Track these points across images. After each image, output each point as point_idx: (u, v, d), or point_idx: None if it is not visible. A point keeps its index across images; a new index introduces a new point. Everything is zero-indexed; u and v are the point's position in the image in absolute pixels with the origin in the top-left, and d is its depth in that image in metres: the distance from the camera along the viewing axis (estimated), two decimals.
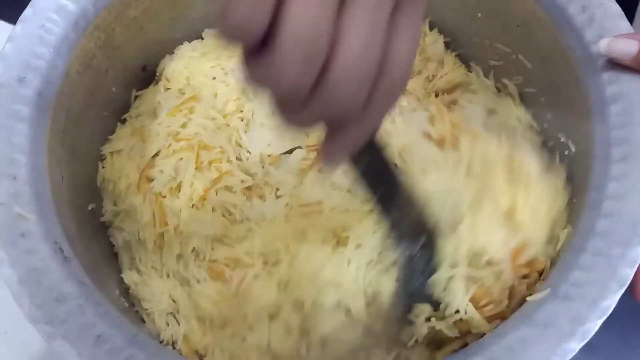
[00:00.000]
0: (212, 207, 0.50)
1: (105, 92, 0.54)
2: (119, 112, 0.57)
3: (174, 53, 0.60)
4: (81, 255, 0.42)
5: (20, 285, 0.37)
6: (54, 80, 0.46)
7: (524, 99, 0.54)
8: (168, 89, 0.58)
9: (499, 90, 0.57)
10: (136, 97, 0.58)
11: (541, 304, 0.38)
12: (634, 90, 0.43)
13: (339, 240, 0.46)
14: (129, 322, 0.39)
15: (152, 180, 0.51)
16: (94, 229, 0.51)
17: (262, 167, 0.52)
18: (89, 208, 0.51)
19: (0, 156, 0.41)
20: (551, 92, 0.50)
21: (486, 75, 0.57)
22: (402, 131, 0.50)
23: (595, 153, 0.43)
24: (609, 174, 0.41)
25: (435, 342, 0.46)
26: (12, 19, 0.46)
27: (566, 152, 0.48)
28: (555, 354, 0.35)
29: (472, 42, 0.58)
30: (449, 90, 0.58)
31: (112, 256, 0.53)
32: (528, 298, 0.39)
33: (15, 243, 0.39)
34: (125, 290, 0.50)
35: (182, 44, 0.60)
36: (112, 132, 0.56)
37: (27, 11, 0.47)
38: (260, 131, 0.55)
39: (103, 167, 0.54)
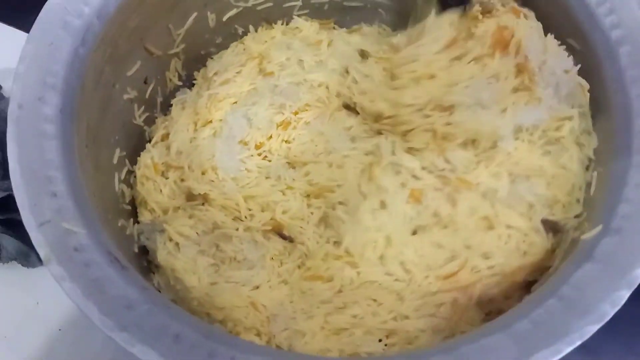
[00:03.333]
0: None
1: (115, 106, 0.53)
2: (129, 126, 0.56)
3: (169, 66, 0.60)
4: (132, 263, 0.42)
5: (86, 297, 0.36)
6: (72, 96, 0.45)
7: None
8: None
9: None
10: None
11: (597, 240, 0.39)
12: (637, 30, 0.45)
13: None
14: (201, 319, 0.38)
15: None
16: (128, 244, 0.50)
17: None
18: (119, 224, 0.50)
19: (37, 175, 0.40)
20: None
21: None
22: None
23: (614, 96, 0.45)
24: (632, 112, 0.43)
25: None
26: (20, 24, 0.45)
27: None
28: (622, 284, 0.37)
29: None
30: None
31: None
32: (582, 236, 0.40)
33: (71, 258, 0.38)
34: None
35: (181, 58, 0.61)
36: (125, 146, 0.55)
37: (34, 30, 0.46)
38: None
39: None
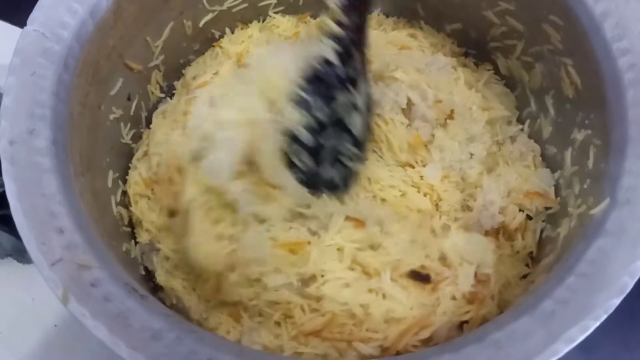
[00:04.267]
0: None
1: (103, 128, 0.52)
2: (118, 146, 0.55)
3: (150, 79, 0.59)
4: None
5: (112, 334, 0.35)
6: (62, 125, 0.44)
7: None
8: None
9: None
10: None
11: (606, 214, 0.40)
12: (622, 3, 0.46)
13: None
14: (226, 339, 0.38)
15: None
16: (134, 268, 0.49)
17: None
18: (124, 249, 0.49)
19: (40, 211, 0.39)
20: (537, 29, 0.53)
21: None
22: None
23: (603, 67, 0.46)
24: (623, 84, 0.44)
25: None
26: (14, 20, 0.44)
27: (573, 78, 0.50)
28: (638, 254, 0.38)
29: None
30: None
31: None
32: (591, 211, 0.41)
33: (89, 294, 0.37)
34: None
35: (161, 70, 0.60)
36: (117, 167, 0.54)
37: (15, 60, 0.44)
38: None
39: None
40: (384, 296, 0.46)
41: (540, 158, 0.55)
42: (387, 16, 0.64)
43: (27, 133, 0.42)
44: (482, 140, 0.53)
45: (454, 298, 0.46)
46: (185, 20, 0.59)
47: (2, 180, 0.40)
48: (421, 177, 0.51)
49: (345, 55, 0.44)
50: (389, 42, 0.58)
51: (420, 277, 0.46)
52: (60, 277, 0.37)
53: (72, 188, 0.42)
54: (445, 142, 0.52)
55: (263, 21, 0.64)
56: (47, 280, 0.37)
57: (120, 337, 0.35)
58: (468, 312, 0.46)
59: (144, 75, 0.58)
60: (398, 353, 0.44)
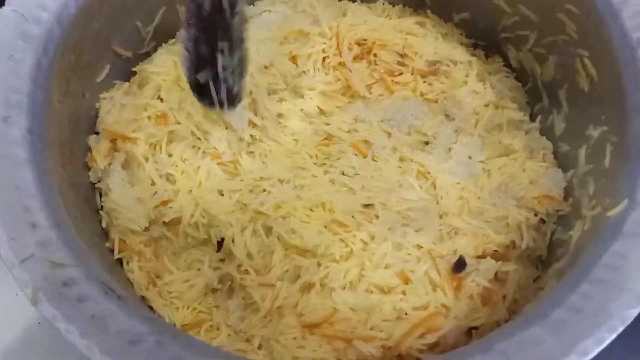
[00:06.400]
0: None
1: (87, 118, 0.49)
2: None
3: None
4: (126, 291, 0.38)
5: (85, 337, 0.33)
6: (40, 113, 0.41)
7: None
8: None
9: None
10: None
11: (624, 215, 0.37)
12: None
13: None
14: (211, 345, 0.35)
15: None
16: (119, 268, 0.47)
17: None
18: (107, 246, 0.47)
19: (12, 206, 0.36)
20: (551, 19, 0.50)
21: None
22: None
23: (621, 58, 0.43)
24: None
25: None
26: None
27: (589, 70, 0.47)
28: None
29: None
30: None
31: None
32: (608, 213, 0.38)
33: (62, 295, 0.34)
34: None
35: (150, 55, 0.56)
36: None
37: None
38: None
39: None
40: (404, 293, 0.43)
41: (552, 156, 0.52)
42: (393, 5, 0.61)
43: (1, 121, 0.39)
44: (494, 140, 0.50)
45: (471, 297, 0.44)
46: (178, 6, 0.56)
47: None
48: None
49: None
50: (393, 29, 0.55)
51: (458, 264, 0.44)
52: (31, 276, 0.34)
53: (49, 181, 0.39)
54: (460, 147, 0.50)
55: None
56: (16, 279, 0.34)
57: (94, 341, 0.33)
58: (479, 317, 0.43)
59: (134, 62, 0.54)
60: (400, 356, 0.41)
